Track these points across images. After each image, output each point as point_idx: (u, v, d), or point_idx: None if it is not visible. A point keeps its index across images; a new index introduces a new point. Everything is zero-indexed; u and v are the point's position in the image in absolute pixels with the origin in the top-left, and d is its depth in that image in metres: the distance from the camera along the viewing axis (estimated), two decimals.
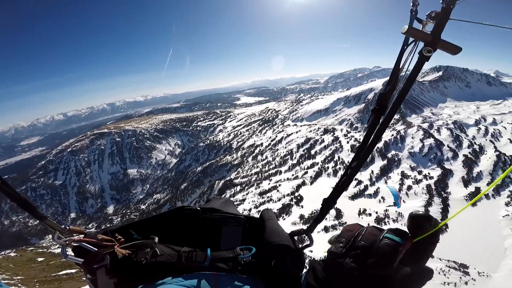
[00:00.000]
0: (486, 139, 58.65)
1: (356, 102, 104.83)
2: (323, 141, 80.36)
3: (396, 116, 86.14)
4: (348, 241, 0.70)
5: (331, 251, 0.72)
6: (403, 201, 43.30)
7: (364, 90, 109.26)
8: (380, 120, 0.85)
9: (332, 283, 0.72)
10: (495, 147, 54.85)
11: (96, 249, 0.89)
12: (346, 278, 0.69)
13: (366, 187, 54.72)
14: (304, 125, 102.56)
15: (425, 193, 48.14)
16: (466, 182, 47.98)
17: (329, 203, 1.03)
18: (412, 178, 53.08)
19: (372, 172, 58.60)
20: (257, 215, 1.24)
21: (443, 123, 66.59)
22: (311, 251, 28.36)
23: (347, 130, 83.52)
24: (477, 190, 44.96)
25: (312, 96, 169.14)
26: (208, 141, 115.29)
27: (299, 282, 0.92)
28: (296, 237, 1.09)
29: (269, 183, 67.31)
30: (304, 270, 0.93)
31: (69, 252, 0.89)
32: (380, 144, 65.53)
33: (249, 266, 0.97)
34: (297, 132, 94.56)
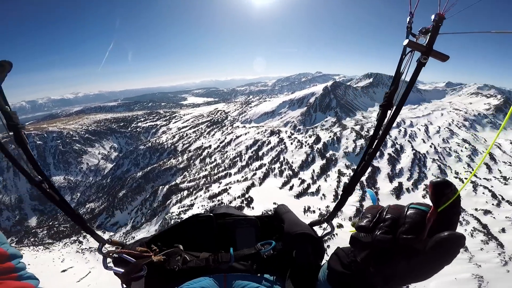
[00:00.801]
0: (405, 139, 67.47)
1: (299, 105, 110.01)
2: (269, 142, 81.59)
3: (333, 119, 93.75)
4: (374, 216, 0.72)
5: (359, 226, 0.72)
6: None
7: (306, 94, 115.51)
8: (388, 113, 0.99)
9: (358, 264, 0.73)
10: (412, 146, 63.41)
11: (134, 260, 0.96)
12: (376, 252, 0.68)
13: (308, 186, 57.04)
14: (252, 126, 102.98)
15: (359, 189, 52.47)
16: (391, 178, 53.88)
17: (348, 189, 1.07)
18: (347, 176, 57.27)
19: (314, 171, 61.55)
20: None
21: (372, 125, 74.22)
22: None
23: (291, 132, 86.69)
24: (400, 184, 51.00)
25: (260, 98, 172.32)
26: (150, 144, 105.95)
27: (318, 269, 0.96)
28: (315, 227, 1.15)
29: (219, 186, 64.83)
30: (324, 260, 0.95)
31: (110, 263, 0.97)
32: (319, 145, 69.59)
33: (271, 260, 1.01)
34: (246, 134, 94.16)
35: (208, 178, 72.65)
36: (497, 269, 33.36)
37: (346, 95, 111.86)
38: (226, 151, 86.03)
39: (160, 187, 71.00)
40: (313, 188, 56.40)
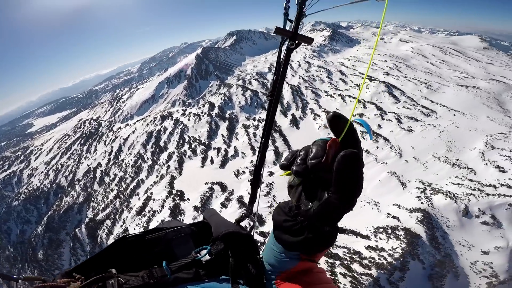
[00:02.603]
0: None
1: (178, 80, 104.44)
2: (166, 128, 75.49)
3: (217, 82, 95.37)
4: (293, 155, 0.85)
5: (281, 164, 0.87)
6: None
7: (181, 67, 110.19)
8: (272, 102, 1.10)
9: (294, 207, 0.84)
10: (287, 82, 74.70)
11: None
12: (303, 190, 0.81)
13: (226, 151, 58.58)
14: (137, 121, 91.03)
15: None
16: (284, 113, 62.47)
17: (255, 182, 1.19)
18: (252, 126, 61.98)
19: (222, 135, 63.03)
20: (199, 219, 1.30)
21: (251, 76, 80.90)
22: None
23: (182, 109, 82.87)
24: (293, 116, 60.14)
25: (131, 88, 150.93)
26: (24, 195, 77.98)
27: (258, 263, 1.00)
28: (242, 224, 1.17)
29: (139, 198, 56.87)
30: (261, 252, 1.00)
31: None
32: (215, 110, 70.52)
33: (211, 264, 1.02)
34: (134, 132, 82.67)
35: (121, 196, 62.72)
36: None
37: (219, 57, 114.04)
38: (122, 160, 73.91)
39: (77, 229, 57.83)
40: (231, 151, 58.31)
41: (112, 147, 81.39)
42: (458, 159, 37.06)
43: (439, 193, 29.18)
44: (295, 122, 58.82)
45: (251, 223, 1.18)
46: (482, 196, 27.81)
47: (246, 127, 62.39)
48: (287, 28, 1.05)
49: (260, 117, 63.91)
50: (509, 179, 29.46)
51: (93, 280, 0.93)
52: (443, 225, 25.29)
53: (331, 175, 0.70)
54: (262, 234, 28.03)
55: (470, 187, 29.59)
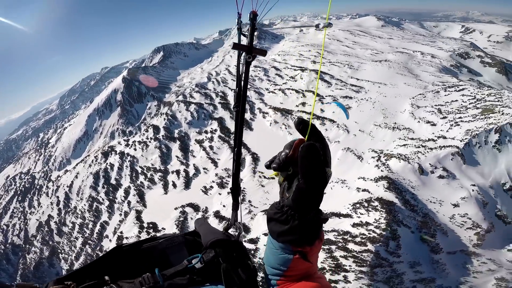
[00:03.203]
0: (221, 86, 78.26)
1: (110, 109, 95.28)
2: (112, 165, 68.69)
3: (155, 103, 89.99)
4: (276, 156, 1.02)
5: (265, 165, 1.04)
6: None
7: (108, 94, 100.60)
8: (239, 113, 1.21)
9: (282, 202, 0.97)
10: (229, 88, 75.59)
11: None
12: (285, 185, 0.98)
13: (186, 172, 56.13)
14: (77, 164, 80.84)
15: (222, 143, 57.84)
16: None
17: (235, 190, 1.28)
18: (206, 139, 60.63)
19: (177, 157, 60.22)
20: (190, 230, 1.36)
21: (191, 89, 78.59)
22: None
23: (124, 140, 76.27)
24: (245, 120, 60.92)
25: (56, 129, 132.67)
26: None
27: (249, 267, 1.05)
28: (230, 231, 1.24)
29: (110, 240, 51.24)
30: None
31: None
32: (162, 133, 66.89)
33: (204, 272, 1.07)
34: (77, 177, 73.60)
35: (89, 241, 57.12)
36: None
37: (149, 76, 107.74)
38: (75, 207, 65.77)
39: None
40: (191, 170, 56.02)
41: (58, 197, 71.85)
42: (395, 123, 42.27)
43: (392, 158, 30.86)
44: (247, 125, 59.62)
45: (238, 230, 1.24)
46: (427, 152, 29.58)
47: (199, 142, 60.54)
48: (241, 42, 1.17)
49: (211, 128, 62.71)
50: (441, 130, 34.03)
51: (86, 286, 0.95)
52: (408, 187, 25.83)
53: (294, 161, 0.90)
54: (252, 241, 27.44)
55: (414, 145, 32.29)
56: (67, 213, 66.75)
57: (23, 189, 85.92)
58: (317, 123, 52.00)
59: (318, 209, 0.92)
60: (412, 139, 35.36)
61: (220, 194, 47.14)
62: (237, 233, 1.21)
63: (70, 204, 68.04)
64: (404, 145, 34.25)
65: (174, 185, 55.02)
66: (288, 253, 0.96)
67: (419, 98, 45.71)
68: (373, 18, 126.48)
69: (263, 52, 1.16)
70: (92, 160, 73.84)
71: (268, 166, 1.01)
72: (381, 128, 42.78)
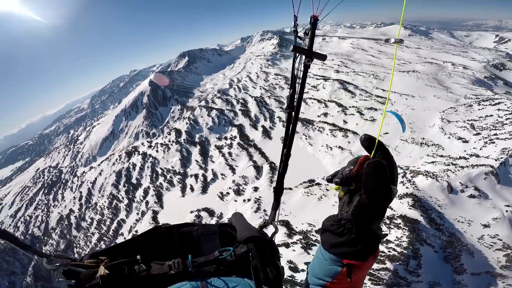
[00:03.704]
0: (242, 93, 78.76)
1: (136, 111, 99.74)
2: (134, 165, 71.49)
3: (178, 107, 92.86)
4: (337, 170, 1.01)
5: (327, 178, 1.03)
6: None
7: (136, 96, 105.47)
8: (293, 115, 1.23)
9: (340, 215, 0.98)
10: (250, 95, 75.13)
11: (85, 271, 0.99)
12: (346, 198, 0.97)
13: (204, 176, 56.95)
14: (102, 162, 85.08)
15: (241, 150, 58.17)
16: (254, 126, 63.10)
17: (278, 189, 1.28)
18: (225, 146, 61.32)
19: (196, 161, 61.36)
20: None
21: (213, 95, 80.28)
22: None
23: (148, 141, 79.22)
24: (264, 127, 61.12)
25: (86, 127, 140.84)
26: None
27: (278, 267, 1.09)
28: (264, 229, 1.28)
29: (125, 238, 52.67)
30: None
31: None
32: (183, 136, 68.59)
33: (232, 264, 1.09)
34: (100, 174, 77.36)
35: (104, 238, 59.07)
36: None
37: (174, 80, 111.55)
38: (96, 203, 68.94)
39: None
40: (209, 175, 56.75)
41: (80, 192, 75.54)
42: (423, 138, 39.94)
43: (419, 175, 29.40)
44: (266, 133, 59.60)
45: (274, 229, 1.27)
46: (458, 170, 28.12)
47: (219, 147, 61.46)
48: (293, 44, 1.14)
49: (231, 135, 63.42)
50: (474, 148, 31.92)
51: (118, 263, 0.98)
52: (434, 206, 24.85)
53: (358, 178, 0.89)
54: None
55: (444, 163, 30.53)
56: (88, 209, 69.94)
57: (50, 182, 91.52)
58: (339, 135, 50.84)
59: (378, 225, 0.93)
60: (441, 156, 33.41)
61: (235, 201, 47.05)
62: (272, 232, 1.25)
63: (91, 200, 71.36)
64: (433, 162, 32.33)
65: (192, 189, 55.92)
66: (337, 265, 0.97)
67: (450, 112, 43.02)
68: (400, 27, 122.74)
69: (323, 57, 1.14)
70: (116, 159, 77.36)
71: (330, 180, 1.01)
72: (408, 143, 40.82)
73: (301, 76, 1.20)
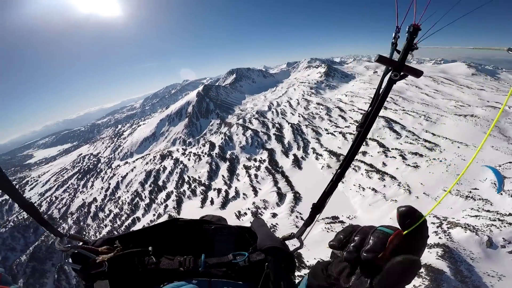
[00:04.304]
0: (279, 118, 78.66)
1: (179, 118, 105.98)
2: (165, 168, 74.68)
3: (218, 121, 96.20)
4: (346, 236, 0.82)
5: (330, 244, 0.85)
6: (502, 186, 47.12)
7: (182, 104, 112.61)
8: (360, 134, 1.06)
9: (332, 278, 0.83)
10: (287, 121, 74.57)
11: (94, 256, 0.95)
12: (348, 268, 0.79)
13: (226, 192, 56.89)
14: (137, 159, 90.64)
15: (267, 174, 56.96)
16: (286, 154, 61.71)
17: (317, 207, 1.19)
18: (254, 167, 60.73)
19: (223, 176, 61.77)
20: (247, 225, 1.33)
21: (251, 115, 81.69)
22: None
23: (183, 149, 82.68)
24: (295, 156, 59.26)
25: (132, 124, 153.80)
26: (12, 223, 75.94)
27: (291, 282, 1.03)
28: (287, 241, 1.21)
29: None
30: (302, 273, 1.11)
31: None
32: (216, 150, 69.99)
33: (244, 270, 1.04)
34: (132, 170, 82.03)
35: (115, 232, 60.11)
36: None
37: (219, 95, 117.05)
38: (119, 197, 72.65)
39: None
40: (231, 193, 56.62)
41: (109, 183, 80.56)
42: (470, 191, 35.65)
43: (457, 227, 28.11)
44: (297, 163, 57.76)
45: (297, 244, 1.19)
46: (505, 226, 26.63)
47: (247, 168, 61.24)
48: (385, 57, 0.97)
49: (261, 157, 63.02)
50: None
51: (128, 253, 0.96)
52: (466, 258, 24.00)
53: (382, 265, 0.68)
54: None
55: (489, 218, 28.29)
56: (110, 201, 72.82)
57: (86, 168, 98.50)
58: (375, 176, 46.75)
59: None
60: (488, 211, 29.57)
61: (251, 223, 45.72)
62: (295, 247, 1.18)
63: (116, 193, 74.94)
64: (476, 216, 29.00)
65: (212, 202, 55.99)
66: None
67: (507, 167, 37.19)
68: (463, 64, 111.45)
69: (417, 73, 0.93)
70: (150, 159, 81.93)
71: (335, 248, 0.85)
72: (451, 195, 36.14)
73: (381, 92, 1.02)
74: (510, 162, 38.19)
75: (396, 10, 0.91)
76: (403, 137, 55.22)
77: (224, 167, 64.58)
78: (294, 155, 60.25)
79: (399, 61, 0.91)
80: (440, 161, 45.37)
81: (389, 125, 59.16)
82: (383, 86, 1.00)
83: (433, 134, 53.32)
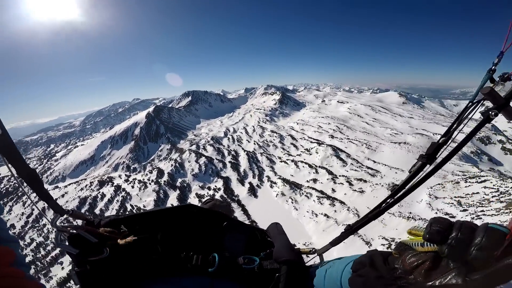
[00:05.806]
0: (235, 145, 77.75)
1: (124, 141, 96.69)
2: (103, 195, 65.63)
3: (168, 146, 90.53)
4: (444, 228, 0.65)
5: (428, 237, 0.64)
6: None
7: (129, 125, 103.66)
8: (425, 169, 0.92)
9: (399, 272, 0.70)
10: (242, 148, 74.07)
11: (96, 240, 0.83)
12: (429, 264, 0.66)
13: None
14: (69, 184, 78.23)
15: None
16: (241, 182, 60.04)
17: (354, 229, 1.11)
18: (207, 196, 57.22)
19: (172, 205, 56.10)
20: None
21: (206, 141, 79.08)
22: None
23: (126, 175, 74.36)
24: (251, 184, 58.27)
25: (68, 144, 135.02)
26: None
27: None
28: (304, 255, 1.15)
29: (62, 268, 47.16)
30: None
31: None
32: (165, 178, 64.72)
33: (251, 276, 1.00)
34: (63, 196, 70.39)
35: (38, 263, 51.41)
36: None
37: (171, 118, 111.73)
38: (44, 225, 61.26)
39: None
40: None
41: (32, 209, 67.11)
42: (410, 212, 38.82)
43: None
44: (253, 191, 56.66)
45: (316, 260, 1.13)
46: None
47: (200, 196, 57.23)
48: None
49: (215, 185, 60.10)
50: None
51: (135, 240, 0.88)
52: None
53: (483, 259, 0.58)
54: None
55: None
56: (32, 229, 61.47)
57: (4, 191, 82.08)
58: (326, 202, 48.41)
59: None
60: None
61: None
62: (312, 261, 1.13)
63: (40, 221, 63.05)
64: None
65: None
66: None
67: (438, 189, 42.76)
68: (395, 94, 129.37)
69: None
70: (86, 185, 71.30)
71: (431, 240, 0.64)
72: (395, 216, 39.68)
73: (466, 123, 0.87)
74: (439, 184, 43.86)
75: (508, 32, 0.73)
76: (349, 164, 59.44)
77: (173, 195, 59.53)
78: (250, 183, 59.18)
79: (506, 101, 0.75)
80: (382, 186, 49.85)
81: (336, 154, 63.29)
82: (467, 120, 0.84)
83: (374, 161, 58.72)
